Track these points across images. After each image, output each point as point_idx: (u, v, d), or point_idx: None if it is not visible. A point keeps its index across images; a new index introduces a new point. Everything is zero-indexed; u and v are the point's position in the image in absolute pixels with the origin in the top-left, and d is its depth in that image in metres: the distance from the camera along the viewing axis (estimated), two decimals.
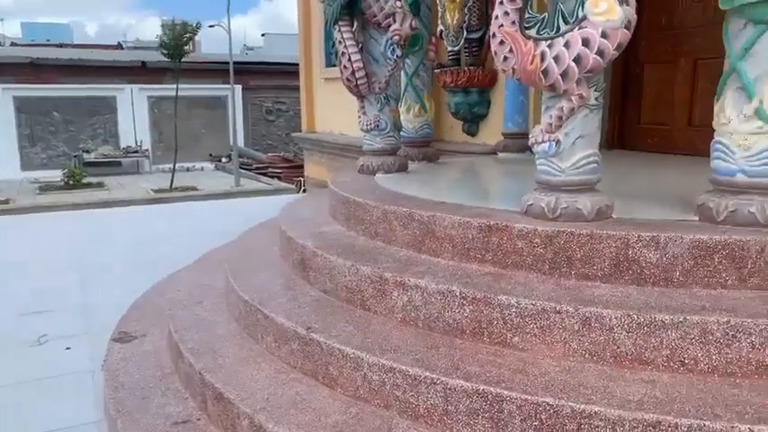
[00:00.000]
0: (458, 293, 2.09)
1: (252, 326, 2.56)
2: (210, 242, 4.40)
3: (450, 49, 5.14)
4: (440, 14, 5.10)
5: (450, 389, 1.81)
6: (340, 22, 3.56)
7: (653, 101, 4.75)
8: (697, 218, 2.26)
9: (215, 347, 2.53)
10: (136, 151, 23.74)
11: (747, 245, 2.00)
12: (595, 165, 2.31)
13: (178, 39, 17.85)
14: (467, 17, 4.89)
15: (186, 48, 18.54)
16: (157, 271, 4.16)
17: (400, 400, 1.90)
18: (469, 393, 1.78)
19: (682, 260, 2.04)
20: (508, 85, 4.71)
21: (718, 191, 2.24)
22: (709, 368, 1.80)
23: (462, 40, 4.98)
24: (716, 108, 2.25)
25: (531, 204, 2.35)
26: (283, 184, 18.14)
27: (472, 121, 5.34)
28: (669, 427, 1.57)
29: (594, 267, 2.12)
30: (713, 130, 2.26)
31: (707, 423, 1.55)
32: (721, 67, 2.21)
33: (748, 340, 1.77)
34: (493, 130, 5.09)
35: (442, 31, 5.13)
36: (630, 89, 4.95)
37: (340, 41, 3.59)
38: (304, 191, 10.17)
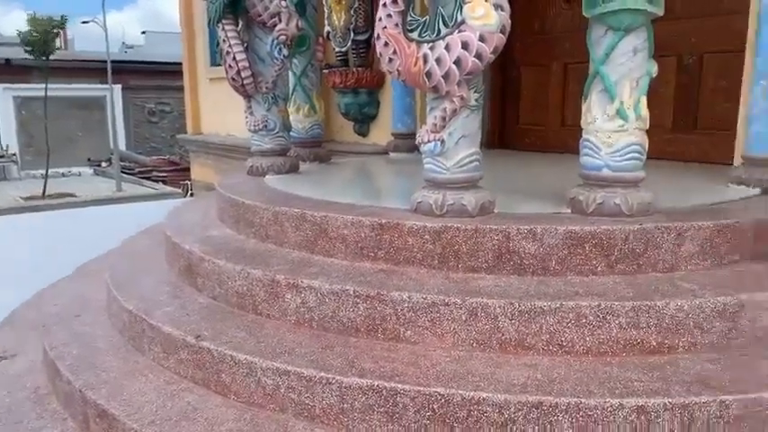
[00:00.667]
0: (351, 292, 2.11)
1: (137, 337, 2.43)
2: (91, 251, 4.13)
3: (337, 50, 5.16)
4: (326, 15, 5.10)
5: (345, 387, 1.82)
6: (223, 21, 3.47)
7: (529, 103, 5.04)
8: (570, 210, 2.43)
9: (97, 362, 2.37)
10: (2, 156, 21.68)
11: (614, 234, 2.18)
12: (478, 163, 2.42)
13: (44, 34, 16.46)
14: (353, 19, 4.94)
15: (54, 44, 17.13)
16: (31, 284, 3.83)
17: (296, 402, 1.89)
18: (364, 390, 1.80)
19: (557, 250, 2.18)
20: (396, 86, 4.80)
21: (588, 185, 2.43)
22: (583, 349, 1.95)
23: (350, 42, 5.01)
24: (583, 108, 2.43)
25: (420, 202, 2.42)
26: (169, 188, 17.30)
27: (363, 121, 5.39)
28: (550, 406, 1.68)
29: (480, 260, 2.22)
30: (582, 129, 2.45)
31: (583, 400, 1.68)
32: (588, 70, 2.39)
33: (617, 321, 1.94)
34: (383, 131, 5.17)
35: (329, 32, 5.13)
36: (509, 92, 5.22)
37: (224, 40, 3.50)
38: (191, 194, 9.79)
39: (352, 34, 5.01)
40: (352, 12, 4.96)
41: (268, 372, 1.94)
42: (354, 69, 5.10)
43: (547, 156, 4.55)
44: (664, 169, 3.61)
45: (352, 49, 5.08)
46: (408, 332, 2.05)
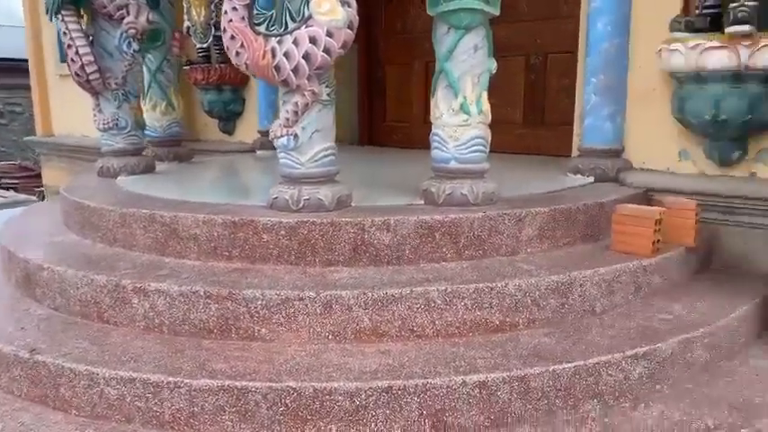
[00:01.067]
0: (202, 293, 2.04)
1: None
2: None
3: (199, 46, 4.97)
4: (186, 10, 4.91)
5: (194, 390, 1.76)
6: (63, 12, 3.23)
7: (395, 101, 5.17)
8: (423, 202, 2.52)
9: None
10: None
11: (461, 222, 2.30)
12: (333, 157, 2.44)
13: None
14: (214, 14, 4.78)
15: None
16: None
17: (143, 410, 1.80)
18: (215, 391, 1.75)
19: (410, 239, 2.26)
20: (261, 83, 4.73)
21: (438, 177, 2.53)
22: (434, 332, 2.03)
23: (211, 38, 4.85)
24: (432, 104, 2.54)
25: (275, 198, 2.40)
26: (23, 196, 15.81)
27: (228, 119, 5.25)
28: (399, 389, 1.73)
29: (336, 253, 2.25)
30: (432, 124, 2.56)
31: (430, 380, 1.75)
32: None
33: (462, 303, 2.04)
34: (249, 128, 5.07)
35: (189, 28, 4.94)
36: (375, 90, 5.33)
37: (65, 33, 3.26)
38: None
39: (213, 30, 4.84)
40: (212, 7, 4.80)
41: (112, 381, 1.83)
42: (217, 66, 4.94)
43: (412, 152, 4.68)
44: (515, 162, 3.86)
45: (214, 45, 4.92)
46: (263, 330, 2.02)
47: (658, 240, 2.39)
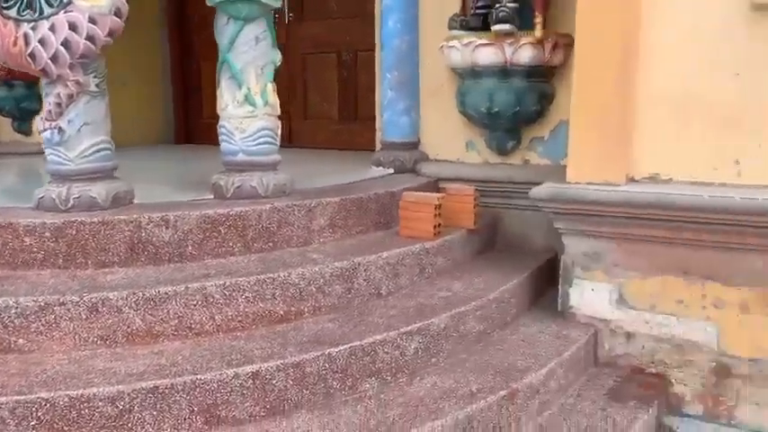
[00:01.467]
0: None
1: None
2: None
3: None
4: None
5: None
6: None
7: (212, 96, 4.96)
8: (212, 196, 2.46)
9: None
10: None
11: (247, 214, 2.27)
12: (108, 152, 2.28)
13: None
14: None
15: None
16: None
17: None
18: None
19: (192, 235, 2.19)
20: None
21: (228, 170, 2.49)
22: (213, 328, 1.98)
23: None
24: (217, 95, 2.49)
25: (42, 197, 2.21)
26: None
27: (23, 118, 4.74)
28: (166, 388, 1.66)
29: (111, 254, 2.11)
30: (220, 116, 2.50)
31: (200, 376, 1.70)
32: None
33: (243, 296, 2.01)
34: None
35: None
36: (191, 86, 5.15)
37: None
38: None
39: None
40: None
41: None
42: None
43: None
44: (328, 156, 3.94)
45: None
46: (20, 340, 1.84)
47: (440, 224, 2.55)
